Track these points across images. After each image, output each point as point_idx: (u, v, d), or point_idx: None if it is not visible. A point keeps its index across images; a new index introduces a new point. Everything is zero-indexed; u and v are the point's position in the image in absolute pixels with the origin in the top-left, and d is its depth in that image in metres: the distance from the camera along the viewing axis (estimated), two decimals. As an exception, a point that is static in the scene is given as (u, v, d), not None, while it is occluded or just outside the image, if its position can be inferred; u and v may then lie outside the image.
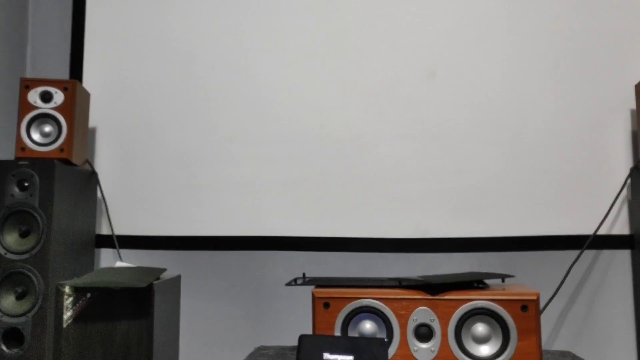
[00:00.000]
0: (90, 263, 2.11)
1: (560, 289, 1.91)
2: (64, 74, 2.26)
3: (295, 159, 2.14)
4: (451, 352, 1.37)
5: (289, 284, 1.61)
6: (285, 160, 2.14)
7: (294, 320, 2.03)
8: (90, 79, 2.25)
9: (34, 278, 1.78)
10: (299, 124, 2.15)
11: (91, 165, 2.13)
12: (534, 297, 1.36)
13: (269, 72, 2.18)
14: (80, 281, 1.39)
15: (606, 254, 2.00)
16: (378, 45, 2.14)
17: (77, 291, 1.38)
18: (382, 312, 1.42)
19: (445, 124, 2.09)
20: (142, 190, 2.19)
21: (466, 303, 1.38)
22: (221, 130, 2.18)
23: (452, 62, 2.11)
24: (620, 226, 2.00)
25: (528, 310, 1.35)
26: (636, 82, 1.93)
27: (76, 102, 1.95)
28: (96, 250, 2.18)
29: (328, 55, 2.16)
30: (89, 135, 2.19)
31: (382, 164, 2.10)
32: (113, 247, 2.12)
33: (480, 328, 1.38)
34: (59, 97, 1.92)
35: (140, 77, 2.23)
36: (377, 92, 2.13)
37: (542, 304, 1.86)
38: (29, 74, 2.30)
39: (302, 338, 1.43)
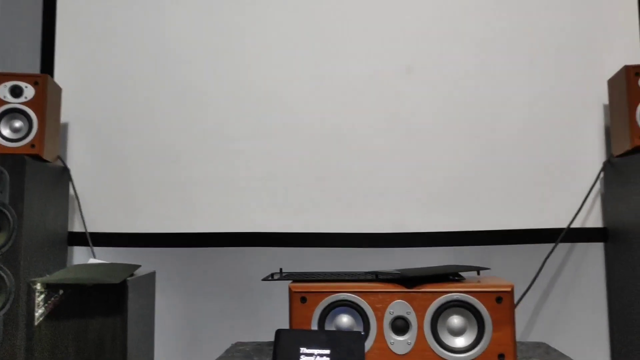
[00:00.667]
0: (63, 261, 2.07)
1: (535, 282, 1.93)
2: (34, 68, 2.22)
3: (272, 154, 2.13)
4: (427, 344, 1.38)
5: (265, 279, 1.60)
6: (262, 155, 2.13)
7: (271, 316, 2.02)
8: (61, 74, 2.21)
9: (4, 276, 1.74)
10: (275, 118, 2.14)
11: (63, 162, 2.09)
12: (509, 289, 1.37)
13: (245, 66, 2.16)
14: (52, 278, 1.36)
15: (580, 247, 2.03)
16: (356, 40, 2.14)
17: (49, 288, 1.36)
18: (359, 306, 1.41)
19: (422, 118, 2.10)
20: (116, 186, 2.16)
21: (442, 295, 1.38)
22: (197, 125, 2.16)
23: (429, 58, 2.11)
24: (593, 219, 2.03)
25: (503, 301, 1.36)
26: (609, 77, 1.96)
27: (47, 97, 1.91)
28: (69, 248, 2.14)
29: (305, 50, 2.15)
30: (61, 131, 2.15)
31: (359, 159, 2.10)
32: (86, 244, 2.08)
33: (455, 320, 1.38)
34: (29, 91, 1.88)
35: (114, 72, 2.20)
36: (354, 86, 2.12)
37: (517, 297, 1.88)
38: (-2, 69, 2.26)
39: (279, 333, 1.42)
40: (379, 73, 2.12)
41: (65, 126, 2.18)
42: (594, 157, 2.04)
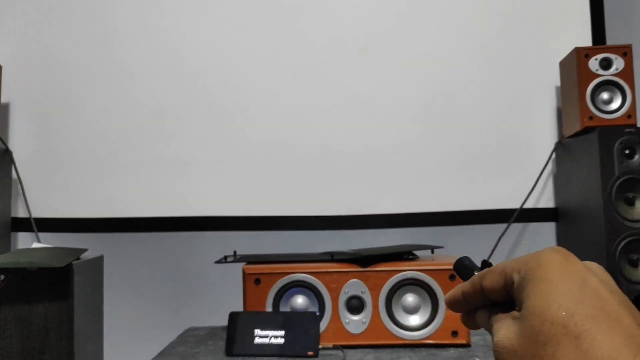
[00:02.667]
0: (6, 248, 1.98)
1: (489, 261, 1.95)
2: (-28, 45, 2.10)
3: (225, 136, 2.08)
4: (382, 323, 1.37)
5: (218, 261, 1.57)
6: (214, 136, 2.08)
7: (226, 300, 1.99)
8: (1, 50, 2.10)
9: (-58, 263, 1.65)
10: (227, 99, 2.09)
11: (4, 143, 1.99)
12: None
13: (196, 45, 2.10)
14: (-9, 262, 1.30)
15: (532, 226, 2.07)
16: (310, 19, 2.11)
17: (-11, 273, 1.29)
18: (314, 286, 1.40)
19: (377, 99, 2.09)
20: (61, 169, 2.07)
21: (396, 274, 1.38)
22: (145, 106, 2.09)
23: (384, 38, 2.10)
24: (545, 200, 2.07)
25: (456, 279, 1.37)
26: (560, 59, 1.98)
27: (-14, 75, 1.82)
28: (12, 234, 2.05)
29: (259, 29, 2.11)
30: (1, 111, 2.05)
31: (313, 141, 2.08)
32: (31, 230, 1.99)
33: (410, 298, 1.38)
34: (-34, 69, 1.78)
35: (56, 49, 2.10)
36: (308, 66, 2.09)
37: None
38: None
39: (232, 315, 1.40)
40: (334, 53, 2.10)
41: (5, 106, 2.08)
42: (546, 138, 2.07)
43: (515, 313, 0.41)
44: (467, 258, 0.50)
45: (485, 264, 0.48)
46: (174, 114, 2.08)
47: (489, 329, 0.44)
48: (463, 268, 0.49)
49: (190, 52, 2.10)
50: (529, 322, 0.38)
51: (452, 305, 0.48)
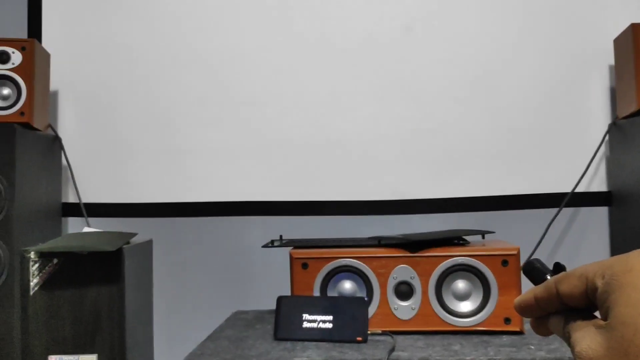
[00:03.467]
0: (57, 232, 2.03)
1: (540, 247, 1.89)
2: (22, 33, 2.14)
3: (269, 122, 2.07)
4: (432, 309, 1.35)
5: (265, 246, 1.57)
6: (259, 122, 2.07)
7: (272, 284, 1.99)
8: (49, 38, 2.13)
9: (-3, 248, 1.70)
10: (272, 85, 2.08)
11: (54, 130, 2.03)
12: (515, 252, 1.34)
13: (241, 31, 2.09)
14: (46, 246, 1.32)
15: (584, 211, 2.00)
16: (352, 2, 2.07)
17: (43, 257, 1.32)
18: (362, 271, 1.38)
19: (422, 82, 2.04)
20: (110, 155, 2.10)
21: (446, 260, 1.35)
22: (192, 92, 2.10)
23: (429, 19, 2.05)
24: (598, 183, 2.00)
25: (509, 265, 1.33)
26: (615, 36, 1.90)
27: (35, 63, 1.84)
28: (63, 219, 2.09)
29: (301, 14, 2.08)
30: (51, 98, 2.08)
31: (358, 125, 2.05)
32: (81, 215, 2.03)
33: (460, 284, 1.35)
34: (16, 57, 1.81)
35: (105, 36, 2.12)
36: (352, 50, 2.06)
37: (522, 261, 1.85)
38: (-16, 35, 2.18)
39: (280, 299, 1.40)
40: (377, 36, 2.06)
41: (55, 94, 2.12)
42: (599, 119, 1.99)
43: (599, 322, 0.38)
44: (537, 260, 0.48)
45: (558, 266, 0.45)
46: (220, 99, 2.09)
47: (566, 337, 0.41)
48: (534, 271, 0.47)
49: (232, 37, 2.09)
50: (618, 333, 0.35)
51: (522, 310, 0.45)
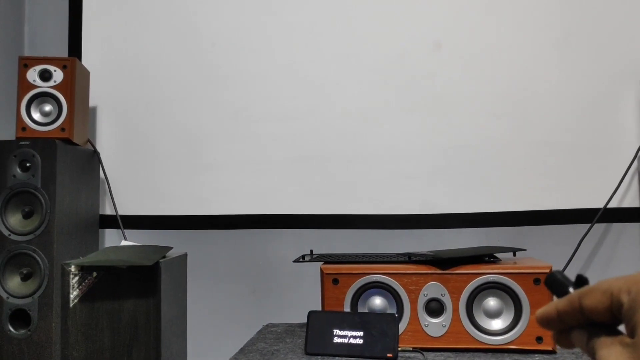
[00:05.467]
0: (94, 243, 2.09)
1: (571, 263, 1.88)
2: (62, 51, 2.22)
3: (301, 136, 2.11)
4: (462, 326, 1.35)
5: (297, 260, 1.59)
6: (290, 137, 2.11)
7: (302, 298, 2.02)
8: (89, 57, 2.21)
9: (38, 259, 1.76)
10: (303, 100, 2.11)
11: (93, 145, 2.10)
12: (547, 270, 1.34)
13: (272, 47, 2.14)
14: (86, 260, 1.37)
15: (616, 227, 1.98)
16: (383, 18, 2.09)
17: (83, 270, 1.37)
18: (392, 288, 1.40)
19: (452, 97, 2.05)
20: (146, 169, 2.16)
21: (477, 277, 1.36)
22: (225, 107, 2.15)
23: (459, 34, 2.06)
24: (630, 199, 1.98)
25: (540, 283, 1.33)
26: (647, 51, 1.89)
27: (76, 80, 1.91)
28: (100, 231, 2.16)
29: (332, 30, 2.12)
30: (90, 114, 2.16)
31: (388, 140, 2.07)
32: (117, 227, 2.10)
33: (492, 302, 1.36)
34: (58, 75, 1.89)
35: (141, 54, 2.19)
36: (382, 65, 2.08)
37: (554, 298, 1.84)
38: (27, 53, 2.26)
39: (311, 314, 1.42)
40: (407, 51, 2.08)
41: (93, 109, 2.19)
42: (631, 134, 1.98)
43: (625, 339, 0.37)
44: (559, 272, 0.47)
45: (581, 279, 0.44)
46: (252, 114, 2.13)
47: (590, 352, 0.41)
48: (556, 283, 0.46)
49: (265, 54, 2.13)
50: None
51: (544, 323, 0.45)
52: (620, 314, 0.39)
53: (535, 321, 0.46)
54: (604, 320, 0.40)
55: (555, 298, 0.45)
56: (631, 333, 0.37)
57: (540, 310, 0.45)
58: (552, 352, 1.32)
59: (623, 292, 0.38)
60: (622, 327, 0.39)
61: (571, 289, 0.44)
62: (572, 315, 0.42)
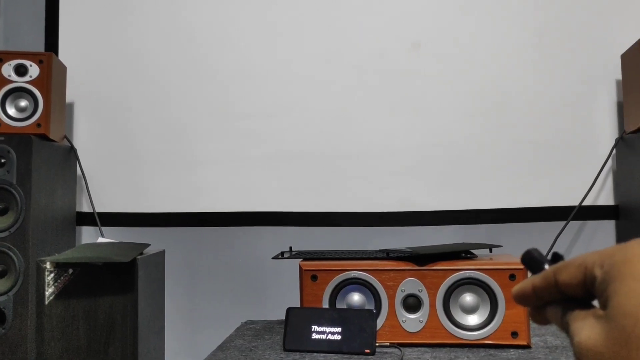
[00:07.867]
0: (71, 241, 2.07)
1: (561, 253, 1.91)
2: (39, 46, 2.19)
3: (280, 133, 2.10)
4: (439, 322, 1.37)
5: (275, 257, 1.59)
6: (270, 134, 2.11)
7: (281, 295, 2.02)
8: (66, 52, 2.18)
9: (13, 256, 1.74)
10: (283, 97, 2.11)
11: (69, 141, 2.08)
12: (522, 266, 1.36)
13: (254, 44, 2.13)
14: (61, 257, 1.36)
15: (591, 224, 2.02)
16: (362, 17, 2.10)
17: (59, 267, 1.35)
18: (370, 284, 1.40)
19: (430, 96, 2.07)
20: (123, 166, 2.14)
21: (454, 273, 1.37)
22: (204, 104, 2.14)
23: (437, 34, 2.08)
24: (605, 197, 2.01)
25: (516, 279, 1.35)
26: (622, 52, 1.92)
27: (52, 76, 1.89)
28: (77, 228, 2.13)
29: (313, 29, 2.12)
30: (67, 110, 2.13)
31: (367, 138, 2.08)
32: (94, 224, 2.07)
33: (468, 298, 1.37)
34: (34, 70, 1.86)
35: (119, 49, 2.17)
36: (361, 64, 2.09)
37: (529, 275, 1.87)
38: (2, 47, 2.23)
39: (289, 311, 1.42)
40: (387, 50, 2.09)
41: (70, 105, 2.16)
42: (606, 133, 2.01)
43: (598, 311, 0.37)
44: (535, 250, 0.46)
45: (557, 256, 0.44)
46: (231, 111, 2.12)
47: (564, 327, 0.41)
48: (532, 261, 0.46)
49: (245, 51, 2.13)
50: (618, 323, 0.35)
51: (520, 299, 0.44)
52: (593, 288, 0.39)
53: (513, 298, 0.46)
54: (578, 295, 0.40)
55: (530, 275, 0.45)
56: (604, 305, 0.37)
57: (517, 287, 0.45)
58: (527, 347, 1.34)
59: (596, 265, 0.38)
60: (596, 303, 0.39)
61: (546, 266, 0.44)
62: (547, 290, 0.42)
